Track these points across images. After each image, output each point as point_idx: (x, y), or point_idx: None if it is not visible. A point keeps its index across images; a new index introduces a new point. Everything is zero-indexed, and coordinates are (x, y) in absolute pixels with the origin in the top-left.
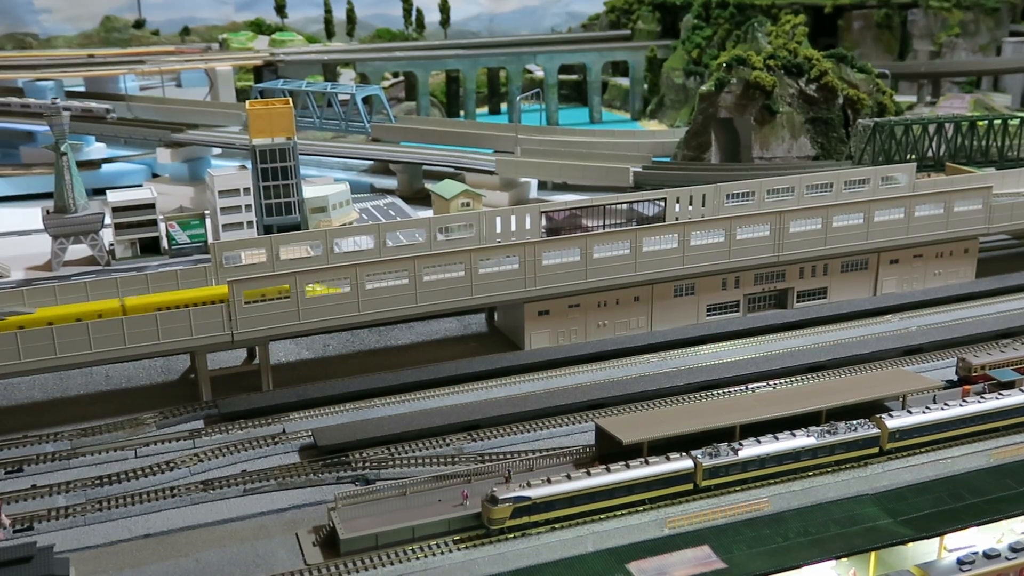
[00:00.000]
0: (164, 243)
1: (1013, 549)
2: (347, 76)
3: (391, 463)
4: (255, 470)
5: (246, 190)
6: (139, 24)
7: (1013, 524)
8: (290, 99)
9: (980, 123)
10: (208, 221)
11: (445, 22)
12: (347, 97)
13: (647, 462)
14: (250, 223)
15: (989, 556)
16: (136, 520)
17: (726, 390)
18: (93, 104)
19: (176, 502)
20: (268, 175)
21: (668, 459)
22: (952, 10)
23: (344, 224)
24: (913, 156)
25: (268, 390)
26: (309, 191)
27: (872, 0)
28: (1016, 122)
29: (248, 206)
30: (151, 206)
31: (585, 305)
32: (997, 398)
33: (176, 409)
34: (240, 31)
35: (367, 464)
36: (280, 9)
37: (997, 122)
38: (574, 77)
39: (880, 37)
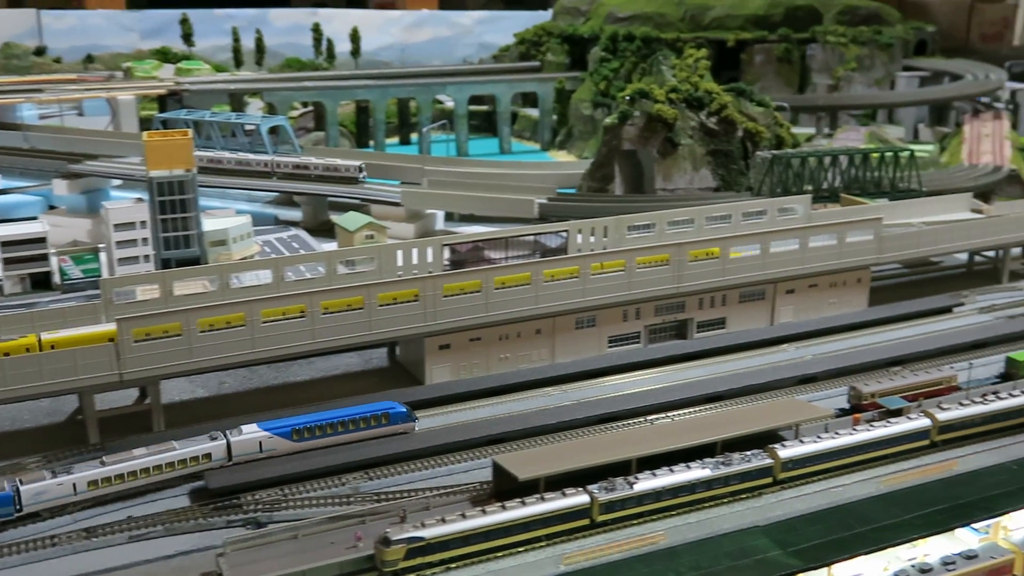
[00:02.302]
0: (56, 278)
1: None
2: (255, 106)
3: (284, 505)
4: (141, 515)
5: (143, 223)
6: (40, 51)
7: (899, 552)
8: (191, 130)
9: (873, 155)
10: (103, 255)
11: (356, 52)
12: (253, 127)
13: (543, 498)
14: (147, 257)
15: None
16: (16, 572)
17: (625, 423)
18: None
19: (58, 551)
20: (166, 208)
21: (564, 495)
22: (849, 45)
23: (245, 257)
24: (809, 187)
25: (160, 431)
26: (209, 224)
27: (773, 35)
28: (907, 154)
29: (145, 239)
30: (42, 240)
31: (487, 338)
32: (886, 426)
33: (61, 452)
34: (145, 59)
35: (259, 506)
36: (187, 38)
37: (889, 154)
38: (484, 108)
39: (781, 71)
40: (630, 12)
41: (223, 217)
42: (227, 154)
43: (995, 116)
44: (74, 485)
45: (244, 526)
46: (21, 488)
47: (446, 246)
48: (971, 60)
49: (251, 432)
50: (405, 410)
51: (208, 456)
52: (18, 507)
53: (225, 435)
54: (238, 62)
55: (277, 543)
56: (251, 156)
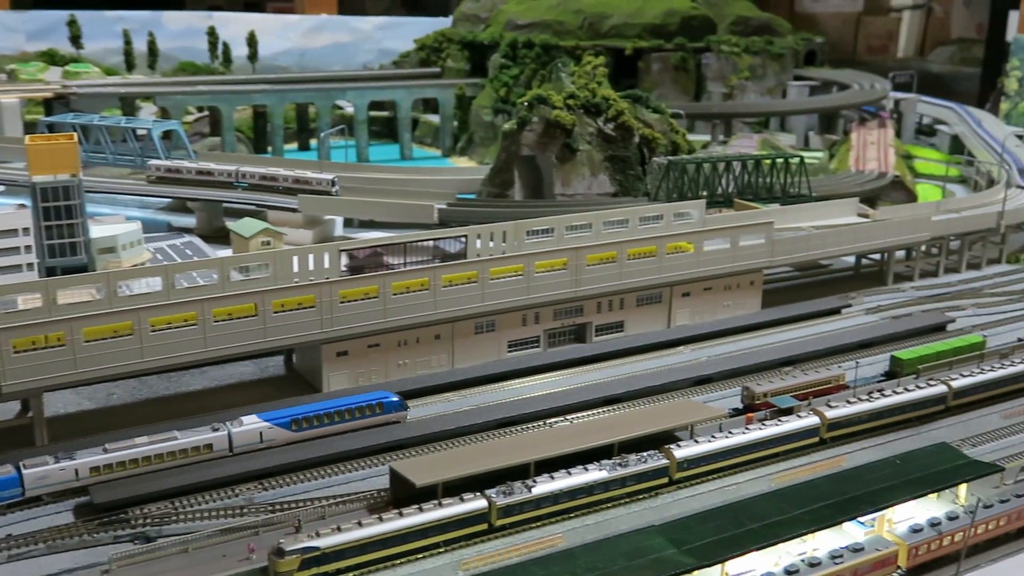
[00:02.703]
0: None
1: (788, 572)
2: (147, 111)
3: (174, 518)
4: (21, 533)
5: (26, 230)
6: None
7: (789, 547)
8: (76, 134)
9: (765, 161)
10: None
11: (253, 56)
12: (145, 132)
13: (441, 504)
14: (31, 265)
15: None
16: None
17: (524, 426)
18: None
19: None
20: (50, 214)
21: (462, 500)
22: (742, 55)
23: (136, 265)
24: (704, 193)
25: (43, 444)
26: (97, 231)
27: (669, 44)
28: (797, 161)
29: (29, 247)
30: None
31: (385, 344)
32: (777, 424)
33: None
34: (31, 62)
35: (148, 520)
36: (75, 39)
37: (780, 161)
38: (385, 113)
39: (677, 79)
40: (530, 19)
41: (112, 224)
42: (187, 163)
43: (880, 124)
44: (76, 471)
45: (132, 541)
46: (24, 472)
47: (343, 252)
48: (858, 70)
49: (252, 423)
50: (398, 400)
51: (209, 447)
52: (21, 490)
53: (227, 426)
54: (130, 65)
55: (166, 558)
56: (213, 166)
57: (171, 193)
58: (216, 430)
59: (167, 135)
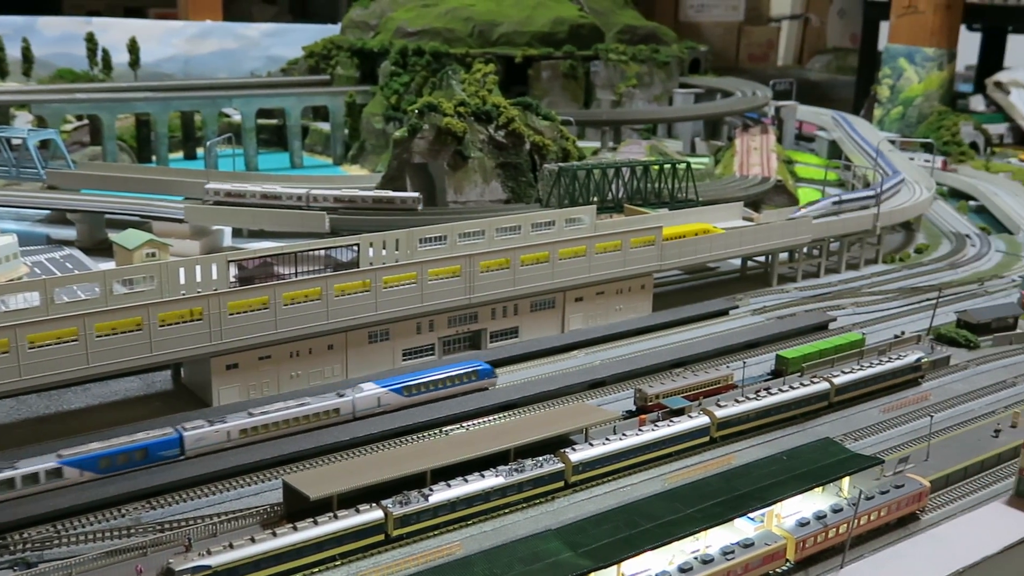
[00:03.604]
0: None
1: (682, 569)
2: (23, 119)
3: (57, 541)
4: None
5: None
6: None
7: (683, 545)
8: None
9: (654, 167)
10: None
11: (135, 63)
12: (20, 141)
13: (336, 516)
14: None
15: None
16: None
17: (419, 435)
18: None
19: None
20: None
21: (358, 511)
22: (629, 63)
23: (12, 280)
24: (595, 198)
25: None
26: None
27: (558, 52)
28: (684, 166)
29: None
30: None
31: (277, 356)
32: (669, 425)
33: None
34: None
35: (28, 545)
36: None
37: (668, 166)
38: (274, 121)
39: (567, 86)
40: (419, 27)
41: None
42: (249, 187)
43: (763, 130)
44: (228, 432)
45: (12, 568)
46: (184, 434)
47: (232, 262)
48: (740, 78)
49: (371, 390)
50: (490, 368)
51: (337, 411)
52: (182, 450)
53: (350, 392)
54: (3, 72)
55: None
56: (280, 189)
57: (55, 205)
58: (341, 396)
59: (44, 144)
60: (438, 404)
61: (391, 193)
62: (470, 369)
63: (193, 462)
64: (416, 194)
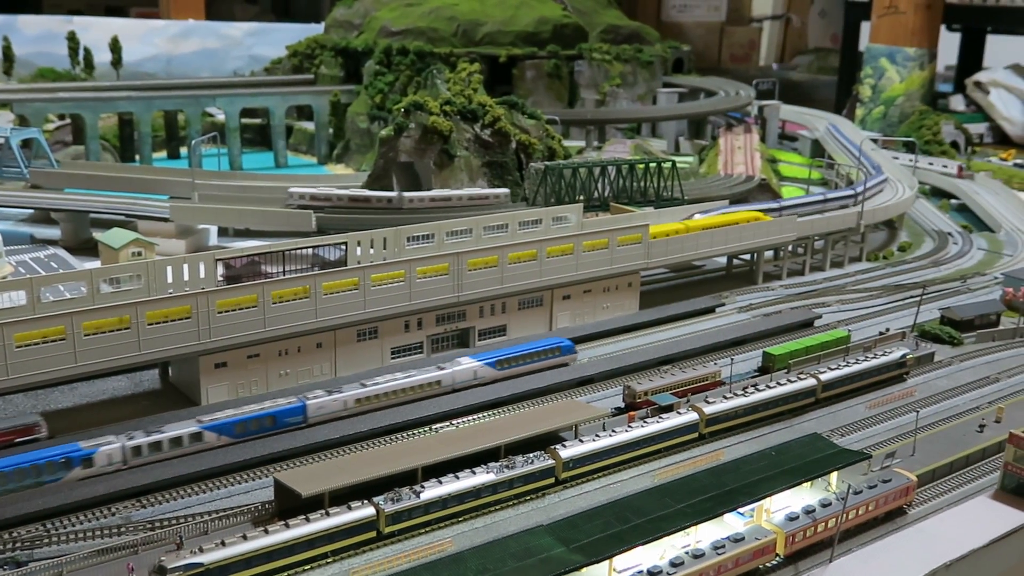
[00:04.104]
0: None
1: (673, 564)
2: (4, 118)
3: (47, 540)
4: None
5: None
6: None
7: (673, 540)
8: None
9: (639, 166)
10: None
11: (117, 62)
12: (2, 140)
13: (328, 513)
14: None
15: (653, 574)
16: None
17: (410, 432)
18: None
19: None
20: None
21: (349, 508)
22: (613, 63)
23: None
24: (581, 197)
25: None
26: None
27: (542, 52)
28: (669, 165)
29: None
30: None
31: (265, 354)
32: (658, 422)
33: None
34: None
35: (18, 544)
36: None
37: (653, 165)
38: (258, 121)
39: (551, 86)
40: (403, 26)
41: None
42: (336, 191)
43: (746, 130)
44: (345, 402)
45: (2, 567)
46: (307, 403)
47: (219, 261)
48: (723, 78)
49: (468, 363)
50: (571, 344)
51: (439, 383)
52: (305, 417)
53: (449, 366)
54: None
55: None
56: (369, 192)
57: (39, 204)
58: (442, 369)
59: (27, 144)
60: (428, 402)
61: (483, 190)
62: (554, 345)
63: (176, 462)
64: (504, 190)
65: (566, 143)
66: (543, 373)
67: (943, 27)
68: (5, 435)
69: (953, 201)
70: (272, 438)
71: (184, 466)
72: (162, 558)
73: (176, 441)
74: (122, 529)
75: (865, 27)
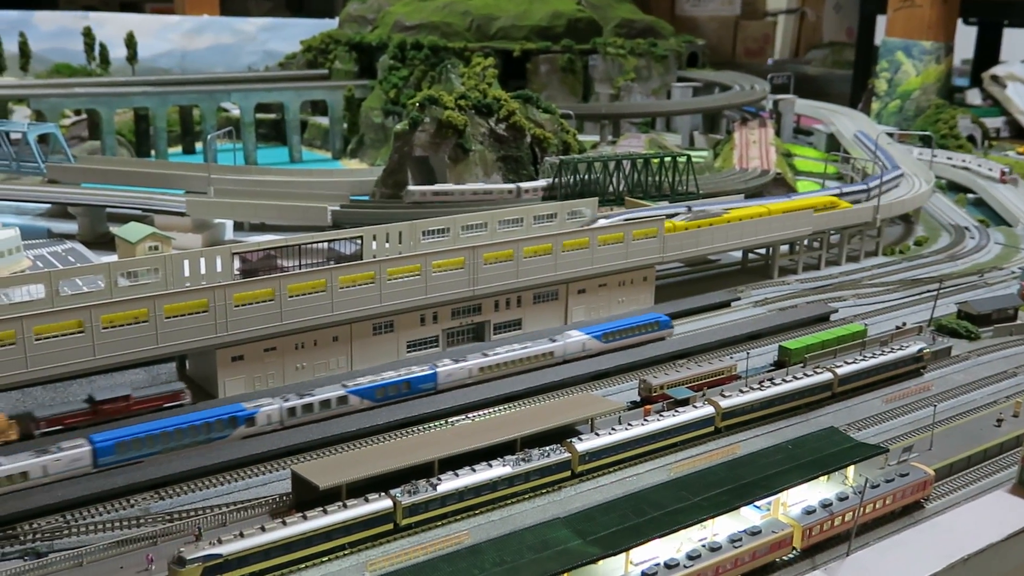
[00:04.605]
0: None
1: (690, 557)
2: (21, 113)
3: (67, 531)
4: None
5: None
6: None
7: (690, 533)
8: None
9: (654, 160)
10: None
11: (132, 58)
12: (19, 135)
13: (345, 505)
14: None
15: (669, 566)
16: None
17: (426, 425)
18: None
19: None
20: None
21: (367, 500)
22: (627, 57)
23: (15, 273)
24: (596, 191)
25: None
26: None
27: (556, 46)
28: (684, 159)
29: None
30: None
31: (282, 348)
32: (674, 415)
33: None
34: None
35: (38, 535)
36: None
37: (668, 159)
38: (273, 116)
39: (565, 80)
40: (417, 21)
41: None
42: (456, 186)
43: (761, 124)
44: (470, 370)
45: (22, 558)
46: (438, 370)
47: (236, 255)
48: (737, 72)
49: (576, 336)
50: (668, 319)
51: (552, 353)
52: (435, 384)
53: (560, 338)
54: (0, 67)
55: (59, 572)
56: (491, 185)
57: (56, 198)
58: (554, 341)
59: (43, 139)
60: (444, 395)
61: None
62: (653, 320)
63: (194, 454)
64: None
65: (580, 137)
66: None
67: (959, 20)
68: (156, 400)
69: (970, 195)
70: (402, 404)
71: (201, 458)
72: (181, 549)
73: (325, 403)
74: (141, 520)
75: (881, 21)
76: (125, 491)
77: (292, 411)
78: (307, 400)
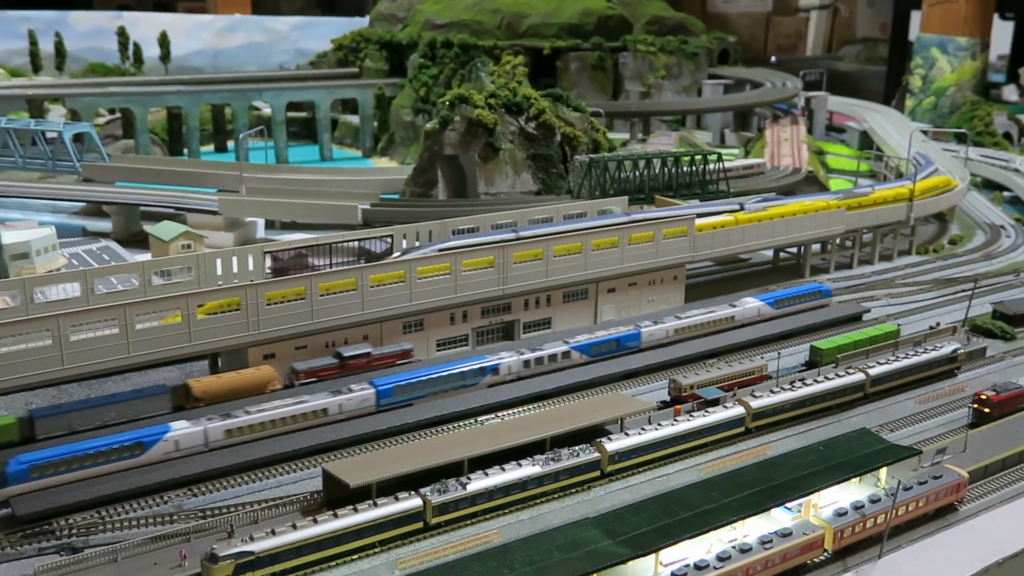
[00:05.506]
0: None
1: (720, 558)
2: (56, 113)
3: (102, 527)
4: None
5: None
6: None
7: (720, 534)
8: None
9: (684, 158)
10: None
11: (165, 57)
12: (55, 135)
13: (376, 504)
14: None
15: (699, 567)
16: None
17: (456, 424)
18: None
19: None
20: None
21: (397, 499)
22: (658, 54)
23: (51, 271)
24: (626, 189)
25: None
26: (8, 236)
27: (586, 44)
28: (715, 157)
29: None
30: None
31: (312, 346)
32: (704, 415)
33: None
34: None
35: (74, 531)
36: None
37: (698, 157)
38: (303, 114)
39: (595, 78)
40: (447, 19)
41: (24, 229)
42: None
43: (792, 121)
44: (667, 331)
45: (58, 553)
46: (641, 330)
47: (268, 253)
48: (769, 69)
49: (752, 303)
50: (828, 288)
51: (732, 318)
52: (639, 342)
53: (739, 304)
54: (36, 67)
55: (94, 568)
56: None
57: (91, 197)
58: (733, 307)
59: (78, 138)
60: (474, 393)
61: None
62: (816, 289)
63: (226, 452)
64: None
65: (610, 135)
66: (587, 365)
67: (996, 15)
68: (390, 357)
69: (1006, 193)
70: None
71: (233, 455)
72: (214, 546)
73: (553, 357)
74: (175, 517)
75: (915, 16)
76: (159, 488)
77: (527, 363)
78: (538, 354)
